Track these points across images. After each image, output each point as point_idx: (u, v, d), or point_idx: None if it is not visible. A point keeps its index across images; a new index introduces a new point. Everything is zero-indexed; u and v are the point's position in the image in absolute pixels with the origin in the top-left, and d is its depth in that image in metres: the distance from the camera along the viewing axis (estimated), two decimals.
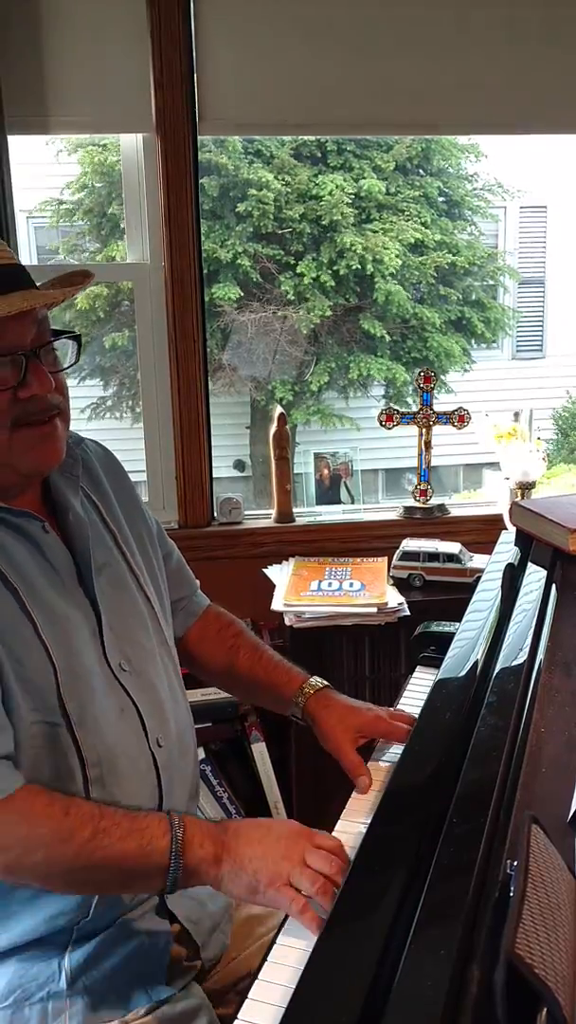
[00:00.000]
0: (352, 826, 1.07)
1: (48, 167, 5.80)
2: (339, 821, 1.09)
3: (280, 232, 5.99)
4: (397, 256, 5.99)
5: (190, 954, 1.13)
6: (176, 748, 1.15)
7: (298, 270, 5.96)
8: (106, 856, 0.94)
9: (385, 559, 2.34)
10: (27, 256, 5.50)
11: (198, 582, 1.42)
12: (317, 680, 1.28)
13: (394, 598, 2.14)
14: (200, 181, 2.36)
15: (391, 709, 1.27)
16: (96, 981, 1.04)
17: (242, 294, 5.91)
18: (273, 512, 2.55)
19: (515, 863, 0.69)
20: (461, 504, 2.78)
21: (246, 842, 0.97)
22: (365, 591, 2.18)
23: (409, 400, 6.18)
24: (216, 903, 1.18)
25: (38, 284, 1.08)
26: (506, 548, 1.64)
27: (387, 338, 6.19)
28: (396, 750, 1.19)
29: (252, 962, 0.93)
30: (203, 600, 1.41)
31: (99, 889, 1.03)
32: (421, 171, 6.53)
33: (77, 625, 1.07)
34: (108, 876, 0.97)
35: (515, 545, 1.63)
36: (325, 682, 1.28)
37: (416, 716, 1.18)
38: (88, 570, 1.10)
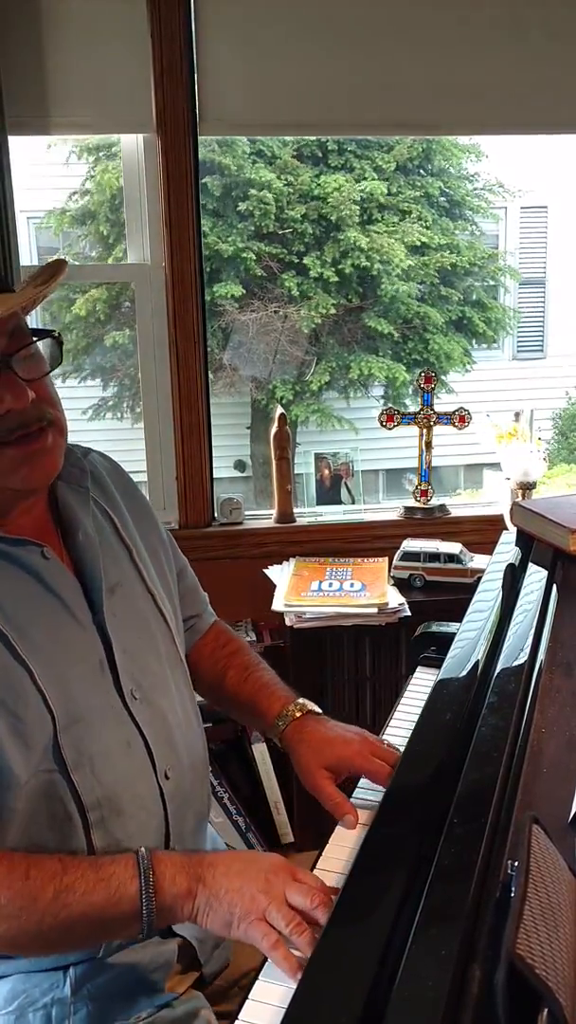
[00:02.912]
0: (336, 863, 1.04)
1: (51, 168, 5.81)
2: (339, 822, 1.09)
3: (282, 232, 6.00)
4: (406, 257, 6.00)
5: (192, 967, 1.11)
6: (187, 777, 1.11)
7: (302, 267, 5.96)
8: (72, 914, 0.90)
9: (386, 559, 2.34)
10: (28, 256, 5.50)
11: (207, 596, 1.37)
12: (299, 704, 1.19)
13: (395, 598, 2.14)
14: (203, 180, 2.36)
15: (379, 740, 1.17)
16: (100, 988, 1.03)
17: (244, 292, 5.91)
18: (274, 512, 2.55)
19: (516, 863, 0.69)
20: (462, 504, 2.78)
21: (223, 873, 0.93)
22: (366, 591, 2.18)
23: (408, 401, 6.18)
24: None
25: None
26: (507, 548, 1.64)
27: (393, 335, 6.19)
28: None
29: (253, 962, 0.92)
30: (210, 617, 1.36)
31: (75, 947, 0.99)
32: (422, 171, 6.53)
33: (81, 658, 1.03)
34: (80, 933, 0.93)
35: (516, 545, 1.63)
36: (310, 706, 1.19)
37: (400, 753, 1.11)
38: (99, 593, 1.05)
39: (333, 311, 6.02)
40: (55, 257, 1.11)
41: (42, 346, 1.03)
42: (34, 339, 1.00)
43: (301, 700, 1.20)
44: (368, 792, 1.13)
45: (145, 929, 0.92)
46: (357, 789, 1.14)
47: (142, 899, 0.91)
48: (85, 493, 1.12)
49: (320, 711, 1.21)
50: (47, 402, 1.00)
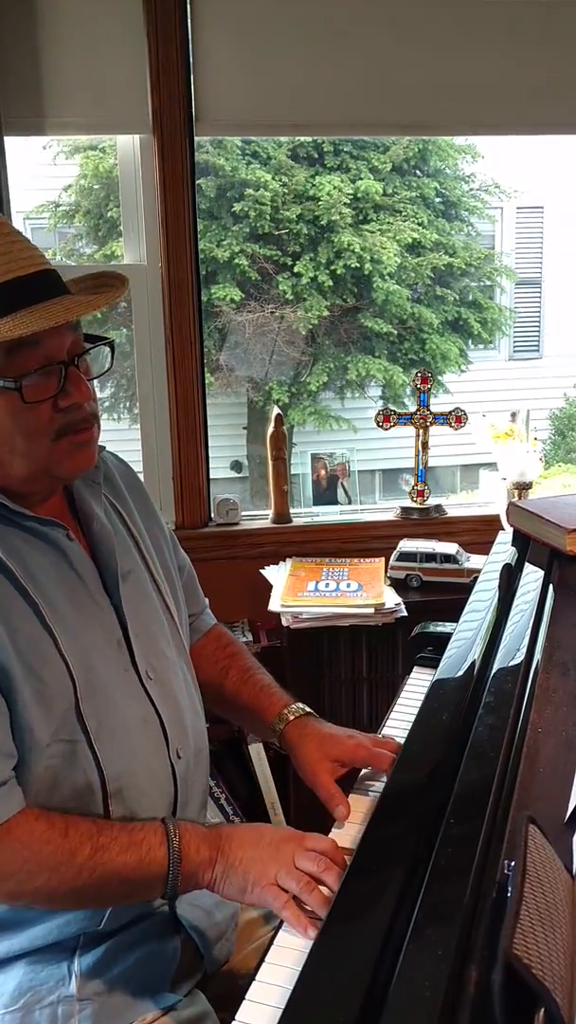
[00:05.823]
0: (349, 827, 1.07)
1: (46, 168, 5.81)
2: (336, 823, 1.09)
3: (277, 233, 6.00)
4: (395, 255, 6.00)
5: (196, 962, 1.13)
6: (193, 760, 1.15)
7: (296, 270, 5.97)
8: (107, 872, 0.96)
9: (382, 560, 2.34)
10: None
11: (207, 600, 1.41)
12: (299, 707, 1.24)
13: (391, 599, 2.14)
14: (197, 182, 2.36)
15: (376, 736, 1.23)
16: (105, 986, 1.05)
17: (242, 295, 5.90)
18: (270, 513, 2.55)
19: (512, 863, 0.69)
20: (458, 505, 2.78)
21: (238, 844, 1.00)
22: (362, 592, 2.18)
23: (406, 402, 6.19)
24: (223, 912, 1.18)
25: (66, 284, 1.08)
26: (503, 548, 1.64)
27: (391, 333, 6.18)
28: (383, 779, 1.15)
29: (251, 963, 0.93)
30: (210, 619, 1.40)
31: (103, 904, 1.04)
32: (418, 172, 6.54)
33: (100, 635, 1.07)
34: (110, 891, 0.99)
35: (512, 545, 1.63)
36: (307, 708, 1.24)
37: (401, 743, 1.15)
38: (114, 578, 1.11)
39: (327, 312, 6.02)
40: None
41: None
42: (99, 343, 1.08)
43: (299, 703, 1.25)
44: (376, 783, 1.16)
45: (169, 892, 1.00)
46: (364, 781, 1.17)
47: (169, 865, 0.98)
48: (97, 488, 1.17)
49: (316, 715, 1.25)
50: (94, 399, 1.08)
